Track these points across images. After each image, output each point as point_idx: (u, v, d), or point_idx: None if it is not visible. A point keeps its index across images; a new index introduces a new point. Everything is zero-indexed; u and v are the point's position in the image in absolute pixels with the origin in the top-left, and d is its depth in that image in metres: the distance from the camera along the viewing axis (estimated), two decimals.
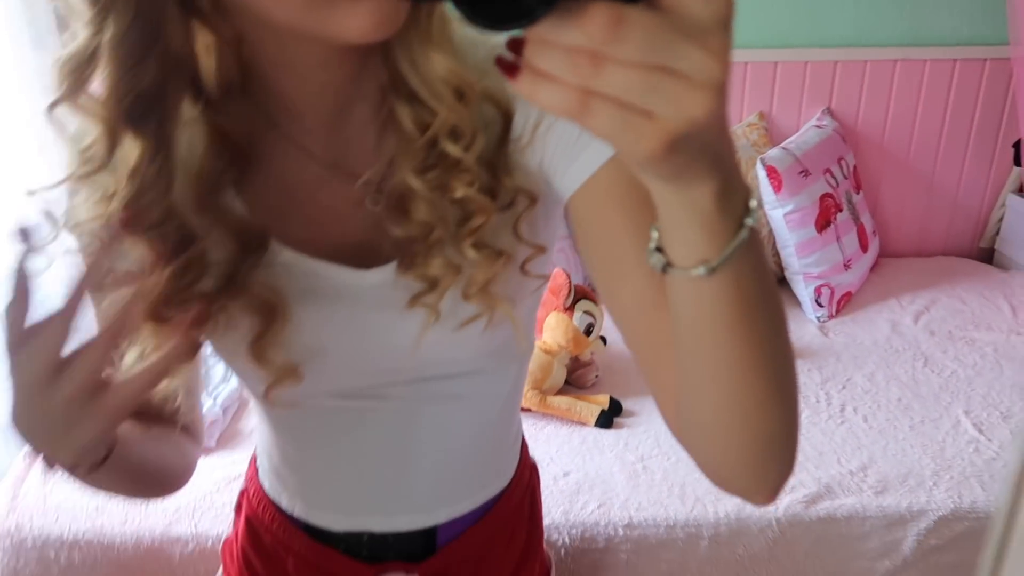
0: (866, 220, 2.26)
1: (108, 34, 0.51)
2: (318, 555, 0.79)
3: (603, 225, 0.59)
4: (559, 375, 1.69)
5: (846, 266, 2.13)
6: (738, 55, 2.23)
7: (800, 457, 1.49)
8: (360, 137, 0.64)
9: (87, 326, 0.53)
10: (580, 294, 1.74)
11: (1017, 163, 2.36)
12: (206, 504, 1.41)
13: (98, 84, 0.52)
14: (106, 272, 0.52)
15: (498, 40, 0.55)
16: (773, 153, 2.09)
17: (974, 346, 1.92)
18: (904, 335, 1.98)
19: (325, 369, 0.67)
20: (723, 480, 0.56)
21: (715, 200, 0.39)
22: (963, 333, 1.99)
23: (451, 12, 0.50)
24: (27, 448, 0.56)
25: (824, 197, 2.10)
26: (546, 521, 1.37)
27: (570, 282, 1.73)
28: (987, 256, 2.50)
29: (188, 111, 0.58)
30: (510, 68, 0.34)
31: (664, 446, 1.55)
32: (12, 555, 1.36)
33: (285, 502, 0.78)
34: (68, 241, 0.60)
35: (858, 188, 2.27)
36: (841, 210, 2.14)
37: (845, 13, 2.24)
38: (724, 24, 0.33)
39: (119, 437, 0.61)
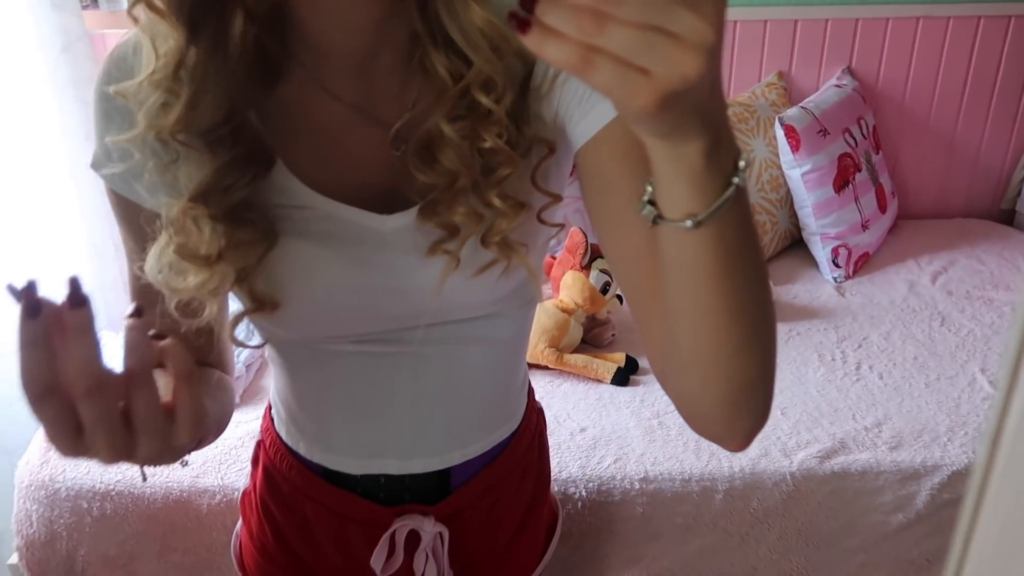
0: (885, 181, 2.24)
1: None
2: (336, 499, 0.81)
3: (607, 177, 0.61)
4: (576, 333, 1.70)
5: (864, 227, 2.12)
6: (758, 13, 2.20)
7: (815, 413, 1.52)
8: (386, 82, 0.65)
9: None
10: (596, 253, 1.75)
11: None
12: (232, 458, 1.44)
13: None
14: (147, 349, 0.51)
15: None
16: (792, 112, 2.07)
17: (992, 305, 1.92)
18: (921, 295, 1.98)
19: (344, 312, 0.69)
20: (699, 422, 0.60)
21: (704, 157, 0.43)
22: (981, 293, 1.98)
23: None
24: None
25: (842, 157, 2.08)
26: (563, 475, 1.40)
27: (587, 241, 1.74)
28: (1008, 218, 2.48)
29: (239, 24, 0.59)
30: (522, 23, 0.37)
31: None
32: (47, 506, 1.40)
33: (303, 449, 0.80)
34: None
35: (877, 148, 2.25)
36: (860, 170, 2.13)
37: None
38: None
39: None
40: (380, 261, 0.66)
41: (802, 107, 2.11)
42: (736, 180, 0.45)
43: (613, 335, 1.79)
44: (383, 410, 0.76)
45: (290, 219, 0.65)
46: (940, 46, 2.27)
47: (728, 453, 1.43)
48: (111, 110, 0.63)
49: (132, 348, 0.49)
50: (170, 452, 0.52)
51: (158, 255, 0.62)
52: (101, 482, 1.40)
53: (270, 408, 0.86)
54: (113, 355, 0.46)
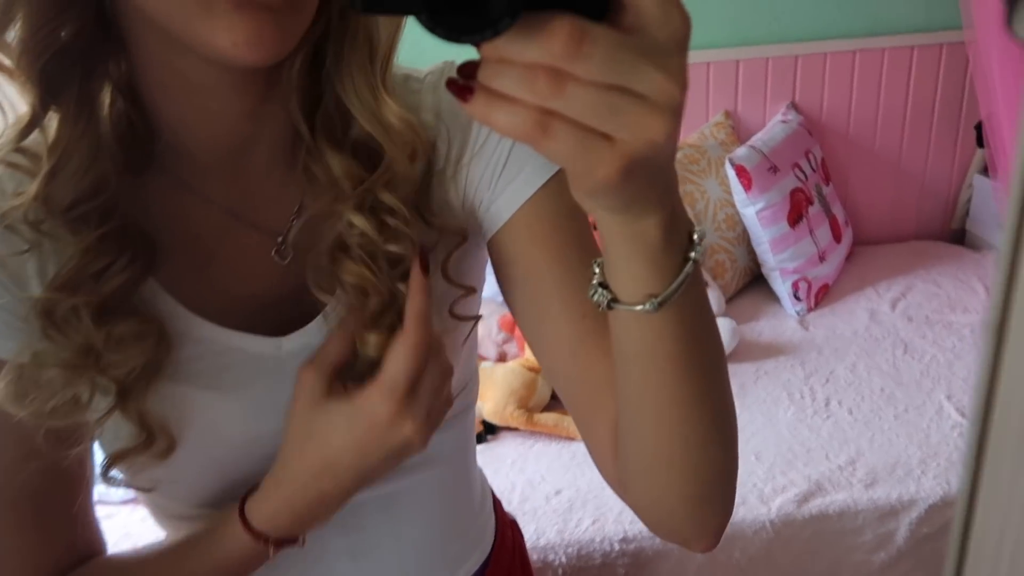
0: (838, 211, 2.28)
1: None
2: None
3: (528, 264, 0.56)
4: (544, 392, 1.69)
5: (821, 258, 2.15)
6: (701, 55, 2.24)
7: (789, 455, 1.52)
8: (262, 183, 0.57)
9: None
10: None
11: (980, 144, 2.39)
12: None
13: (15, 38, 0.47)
14: None
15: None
16: (741, 152, 2.10)
17: (951, 329, 1.95)
18: (883, 323, 2.00)
19: (242, 471, 0.57)
20: (663, 525, 0.55)
21: (662, 232, 0.39)
22: (940, 317, 2.01)
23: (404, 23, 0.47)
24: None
25: (794, 192, 2.11)
26: (541, 542, 1.37)
27: None
28: (959, 237, 2.53)
29: (105, 92, 0.51)
30: (462, 90, 0.33)
31: None
32: None
33: None
34: None
35: (827, 180, 2.29)
36: (812, 203, 2.16)
37: (803, 8, 2.26)
38: (682, 46, 0.33)
39: None
40: (280, 396, 0.55)
41: (750, 146, 2.14)
42: (693, 255, 0.42)
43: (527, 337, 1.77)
44: (315, 564, 0.64)
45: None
46: (878, 76, 2.33)
47: None
48: None
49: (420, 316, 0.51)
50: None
51: (13, 377, 0.50)
52: None
53: None
54: None
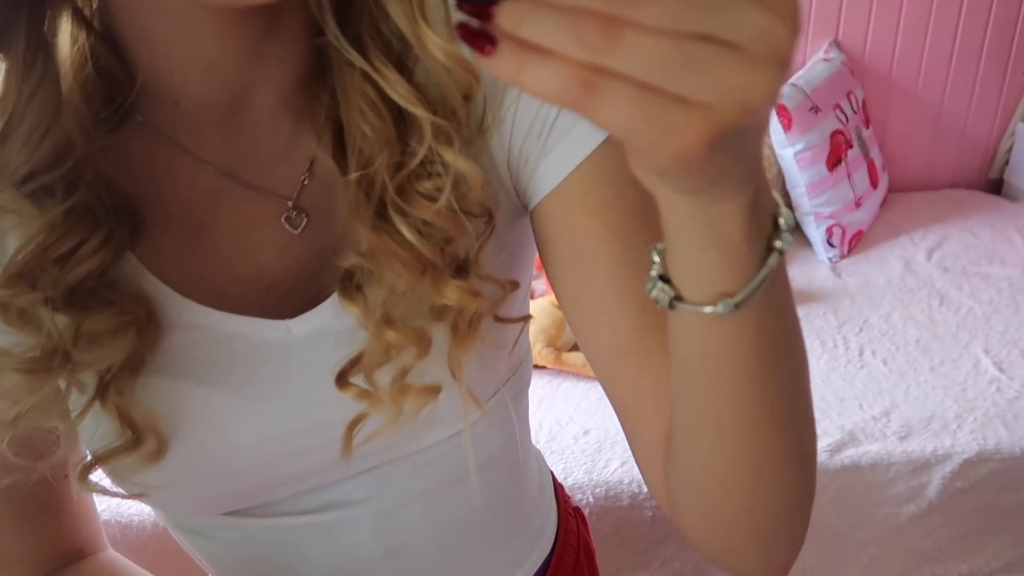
0: (875, 155, 2.20)
1: None
2: None
3: (580, 239, 0.46)
4: None
5: (857, 204, 2.08)
6: None
7: (822, 404, 1.48)
8: (265, 137, 0.47)
9: None
10: None
11: None
12: None
13: None
14: None
15: None
16: (782, 90, 2.02)
17: (989, 281, 1.90)
18: (917, 273, 1.95)
19: (245, 476, 0.49)
20: (722, 559, 0.46)
21: (744, 218, 0.31)
22: (977, 268, 1.96)
23: None
24: None
25: (835, 134, 2.04)
26: (569, 481, 1.35)
27: None
28: (995, 187, 2.45)
29: (65, 28, 0.42)
30: (479, 39, 0.24)
31: None
32: None
33: None
34: None
35: (867, 123, 2.20)
36: (851, 146, 2.09)
37: None
38: None
39: None
40: (290, 389, 0.48)
41: (792, 84, 2.05)
42: (779, 244, 0.33)
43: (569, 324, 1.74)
44: None
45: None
46: (926, 16, 2.22)
47: None
48: None
49: None
50: None
51: None
52: None
53: None
54: None
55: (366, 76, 0.43)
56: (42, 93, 0.39)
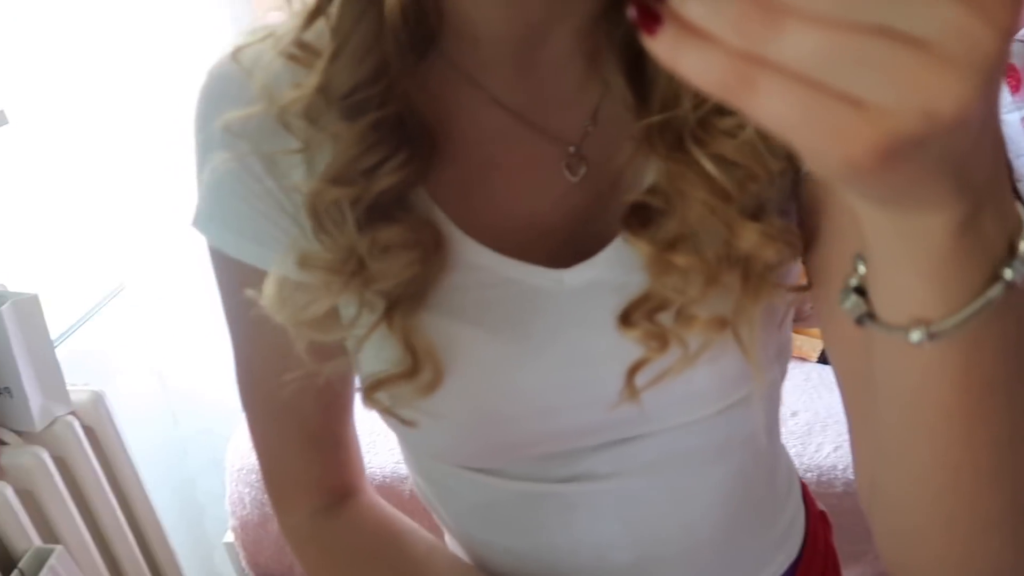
0: None
1: None
2: None
3: (844, 217, 0.43)
4: None
5: None
6: None
7: None
8: (556, 80, 0.47)
9: None
10: None
11: None
12: None
13: None
14: None
15: None
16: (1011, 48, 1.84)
17: None
18: None
19: (501, 428, 0.50)
20: None
21: (955, 236, 0.27)
22: None
23: None
24: None
25: None
26: None
27: None
28: None
29: None
30: (648, 17, 0.22)
31: None
32: (259, 488, 1.45)
33: None
34: None
35: None
36: None
37: None
38: None
39: None
40: (560, 340, 0.47)
41: (1019, 39, 1.86)
42: (1008, 274, 0.28)
43: (812, 306, 1.66)
44: (584, 559, 0.56)
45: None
46: None
47: None
48: (214, 141, 0.48)
49: None
50: None
51: (279, 280, 0.47)
52: None
53: None
54: None
55: None
56: (368, 16, 0.42)
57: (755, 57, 0.21)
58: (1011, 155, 1.89)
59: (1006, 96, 1.81)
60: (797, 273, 0.51)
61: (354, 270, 0.45)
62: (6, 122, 1.14)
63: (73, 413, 1.16)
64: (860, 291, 0.32)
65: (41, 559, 1.02)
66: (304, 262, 0.46)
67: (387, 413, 0.50)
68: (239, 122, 0.46)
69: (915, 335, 0.29)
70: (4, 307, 1.06)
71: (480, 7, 0.44)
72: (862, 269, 0.32)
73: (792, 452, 1.31)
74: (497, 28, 0.45)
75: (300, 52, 0.45)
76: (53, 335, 1.42)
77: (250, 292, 0.48)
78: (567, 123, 0.48)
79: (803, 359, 1.52)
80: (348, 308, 0.48)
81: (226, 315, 0.54)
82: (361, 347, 0.48)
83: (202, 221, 0.50)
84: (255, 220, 0.48)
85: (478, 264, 0.47)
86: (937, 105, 0.21)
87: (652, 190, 0.44)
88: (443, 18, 0.46)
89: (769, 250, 0.43)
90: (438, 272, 0.47)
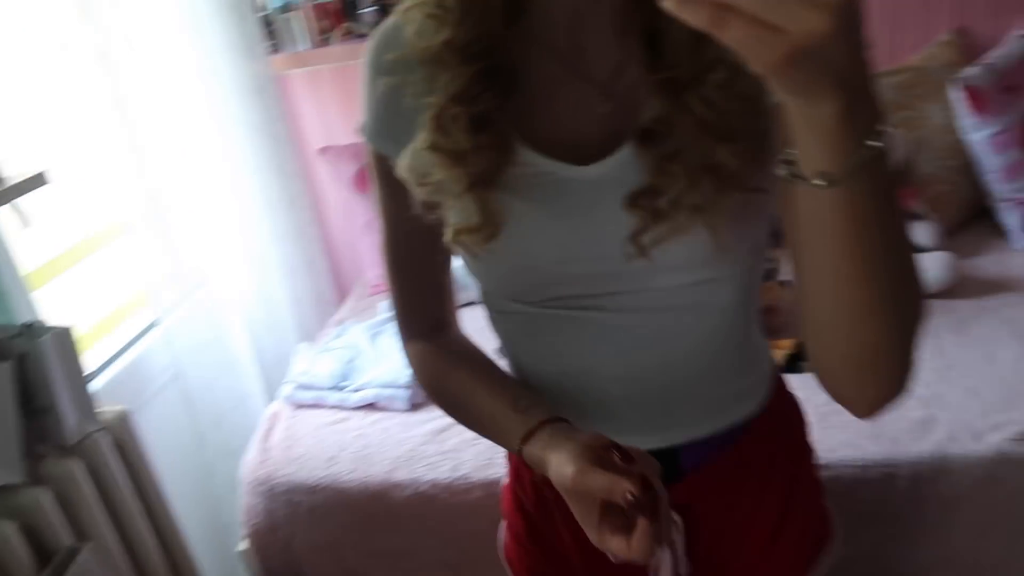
0: None
1: None
2: None
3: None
4: None
5: None
6: None
7: (1011, 394, 1.42)
8: (596, 39, 0.68)
9: None
10: None
11: None
12: (418, 455, 1.57)
13: None
14: None
15: None
16: (973, 71, 1.93)
17: None
18: None
19: (542, 268, 0.71)
20: (827, 382, 0.61)
21: (837, 119, 0.43)
22: None
23: None
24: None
25: None
26: None
27: None
28: None
29: None
30: None
31: None
32: (268, 499, 1.59)
33: None
34: None
35: None
36: None
37: None
38: None
39: None
40: (583, 211, 0.68)
41: (985, 64, 1.96)
42: (871, 143, 0.45)
43: (783, 321, 1.76)
44: (590, 381, 0.76)
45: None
46: None
47: (909, 438, 1.38)
48: (380, 76, 0.72)
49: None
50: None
51: (413, 152, 0.69)
52: (310, 478, 1.57)
53: None
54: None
55: None
56: None
57: (724, 5, 0.37)
58: (979, 172, 1.97)
59: (971, 116, 1.90)
60: (772, 204, 0.67)
61: (459, 160, 0.67)
62: (46, 182, 1.34)
63: (104, 429, 1.32)
64: (789, 163, 0.49)
65: (73, 554, 1.18)
66: (432, 146, 0.68)
67: (463, 251, 0.72)
68: (393, 61, 0.70)
69: (818, 181, 0.47)
70: (44, 338, 1.23)
71: None
72: (789, 152, 0.49)
73: None
74: (559, 8, 0.68)
75: (438, 11, 0.67)
76: (95, 365, 1.61)
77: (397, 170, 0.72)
78: (601, 74, 0.69)
79: None
80: (448, 181, 0.69)
81: (378, 203, 0.78)
82: (459, 200, 0.69)
83: (367, 132, 0.75)
84: (401, 126, 0.70)
85: (532, 162, 0.68)
86: (813, 28, 0.37)
87: (656, 119, 0.64)
88: (529, 2, 0.68)
89: (733, 161, 0.62)
90: (505, 164, 0.68)
